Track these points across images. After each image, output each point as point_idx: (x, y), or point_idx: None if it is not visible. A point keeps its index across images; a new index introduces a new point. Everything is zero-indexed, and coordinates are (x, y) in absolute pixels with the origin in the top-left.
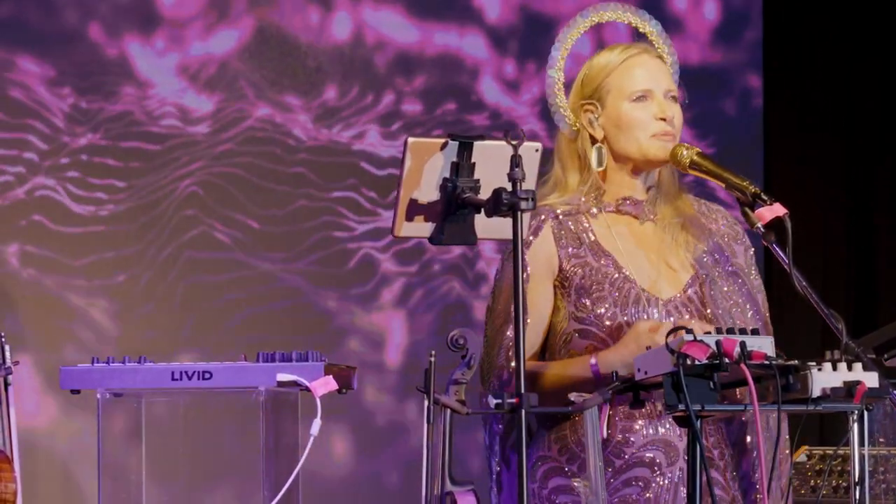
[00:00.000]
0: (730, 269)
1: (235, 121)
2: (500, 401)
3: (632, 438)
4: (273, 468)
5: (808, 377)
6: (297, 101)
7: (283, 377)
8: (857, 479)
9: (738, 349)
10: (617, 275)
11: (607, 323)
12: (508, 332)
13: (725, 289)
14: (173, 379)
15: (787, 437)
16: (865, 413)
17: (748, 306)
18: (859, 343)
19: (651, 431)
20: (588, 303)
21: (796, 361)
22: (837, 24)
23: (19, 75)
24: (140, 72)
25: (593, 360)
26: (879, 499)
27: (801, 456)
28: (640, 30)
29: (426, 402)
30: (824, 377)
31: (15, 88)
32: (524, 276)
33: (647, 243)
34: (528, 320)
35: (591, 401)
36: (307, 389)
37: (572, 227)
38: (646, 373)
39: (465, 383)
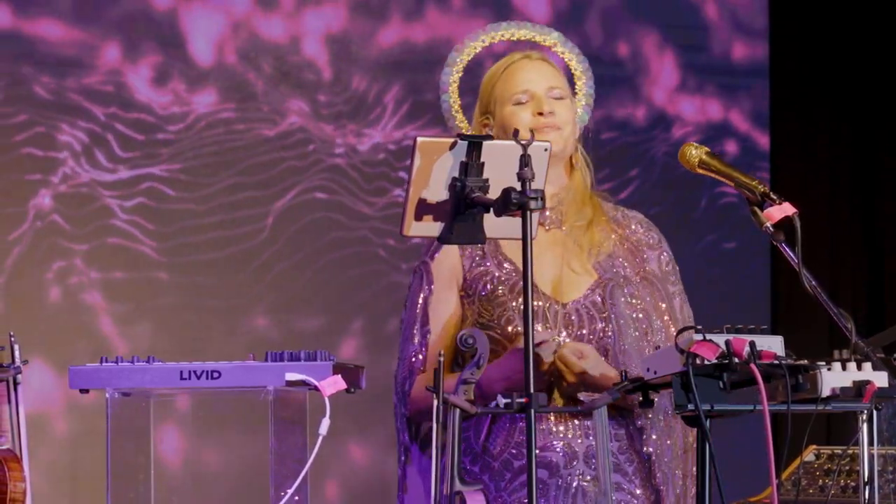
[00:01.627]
0: (638, 275)
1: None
2: (508, 400)
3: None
4: (281, 467)
5: (818, 377)
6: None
7: (291, 376)
8: (866, 479)
9: (747, 349)
10: (519, 281)
11: (509, 329)
12: (416, 341)
13: (629, 294)
14: (182, 378)
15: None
16: (875, 412)
17: (656, 312)
18: (868, 342)
19: (551, 433)
20: (491, 309)
21: (806, 361)
22: (844, 28)
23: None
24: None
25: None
26: (888, 499)
27: (809, 455)
28: (543, 42)
29: (435, 402)
30: (834, 377)
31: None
32: (429, 289)
33: (551, 249)
34: (430, 330)
35: (599, 400)
36: (316, 389)
37: None
38: (655, 372)
39: (475, 383)
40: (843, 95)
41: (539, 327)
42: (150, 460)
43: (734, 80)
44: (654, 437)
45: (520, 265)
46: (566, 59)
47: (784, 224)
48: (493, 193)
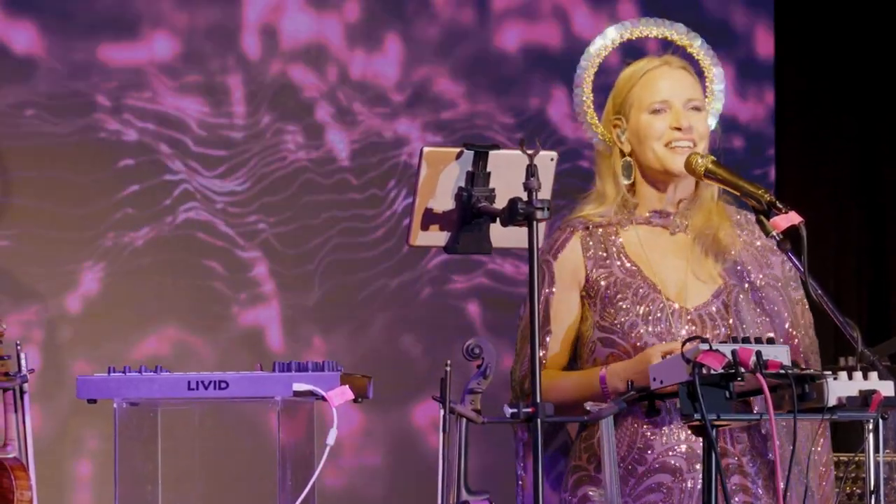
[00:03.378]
0: (762, 281)
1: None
2: (515, 410)
3: (653, 445)
4: (289, 478)
5: (824, 386)
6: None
7: (299, 387)
8: (872, 487)
9: (753, 358)
10: (643, 285)
11: (631, 333)
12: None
13: (754, 301)
14: (189, 388)
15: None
16: (881, 421)
17: (778, 319)
18: (874, 351)
19: (672, 437)
20: (612, 312)
21: (812, 370)
22: (851, 27)
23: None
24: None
25: (603, 372)
26: None
27: None
28: (679, 43)
29: (442, 412)
30: (840, 386)
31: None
32: (551, 289)
33: (676, 254)
34: (551, 331)
35: (606, 410)
36: (323, 399)
37: (602, 238)
38: (661, 382)
39: (481, 392)
40: (851, 97)
41: (660, 329)
42: (157, 470)
43: (739, 78)
44: (777, 443)
45: (644, 268)
46: (700, 61)
47: (791, 233)
48: (500, 203)
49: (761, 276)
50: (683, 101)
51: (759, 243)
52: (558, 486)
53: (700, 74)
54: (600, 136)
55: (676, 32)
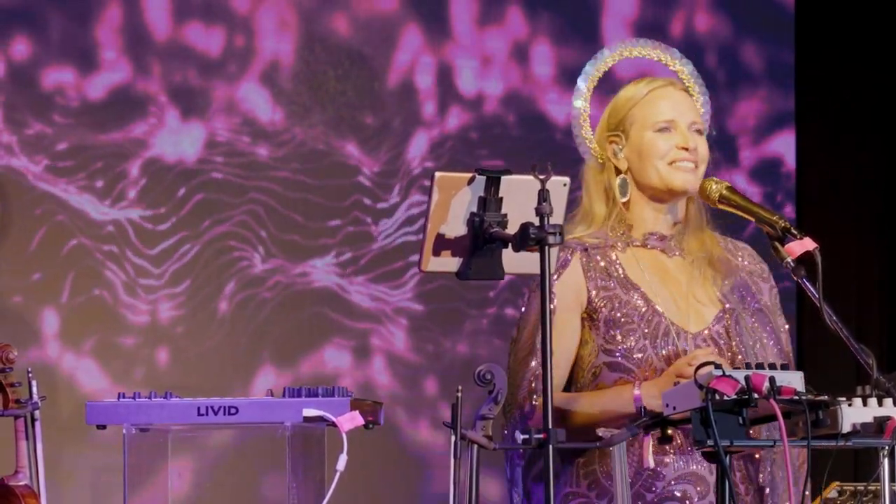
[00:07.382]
0: (756, 306)
1: None
2: (527, 436)
3: (663, 472)
4: None
5: (838, 412)
6: None
7: (309, 412)
8: None
9: (767, 384)
10: (646, 308)
11: (637, 356)
12: (532, 364)
13: (750, 325)
14: (199, 414)
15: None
16: None
17: (771, 344)
18: (890, 378)
19: (682, 465)
20: (618, 335)
21: (826, 397)
22: (872, 45)
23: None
24: None
25: (637, 392)
26: None
27: (831, 492)
28: (671, 68)
29: (453, 438)
30: (854, 412)
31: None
32: (552, 307)
33: (674, 277)
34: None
35: (619, 436)
36: (333, 425)
37: (601, 260)
38: (674, 408)
39: (493, 418)
40: (872, 118)
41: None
42: (167, 496)
43: (759, 104)
44: (768, 468)
45: (647, 292)
46: (689, 89)
47: (806, 259)
48: (512, 229)
49: (755, 303)
50: (688, 123)
51: (748, 269)
52: None
53: None
54: (593, 151)
55: (671, 56)
